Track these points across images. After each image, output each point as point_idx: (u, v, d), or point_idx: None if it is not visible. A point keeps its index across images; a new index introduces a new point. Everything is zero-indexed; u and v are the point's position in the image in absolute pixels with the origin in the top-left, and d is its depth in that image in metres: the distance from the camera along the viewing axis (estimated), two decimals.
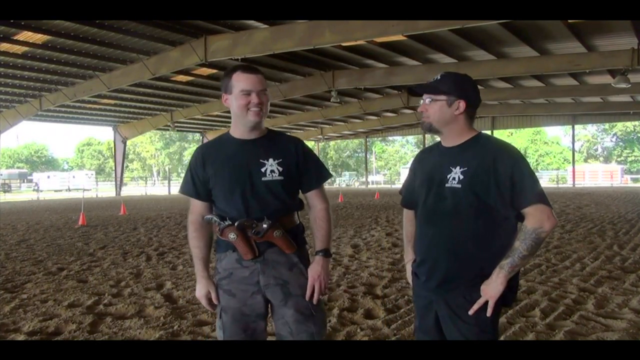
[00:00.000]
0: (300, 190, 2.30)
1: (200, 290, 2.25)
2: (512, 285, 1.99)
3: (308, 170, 2.27)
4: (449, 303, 2.03)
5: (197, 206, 2.28)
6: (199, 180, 2.23)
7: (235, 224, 2.14)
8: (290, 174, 2.21)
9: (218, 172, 2.20)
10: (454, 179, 2.02)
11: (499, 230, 1.99)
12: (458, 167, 2.02)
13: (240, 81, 2.15)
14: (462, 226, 2.01)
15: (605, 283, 5.40)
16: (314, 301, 2.21)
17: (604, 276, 5.73)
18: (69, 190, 44.46)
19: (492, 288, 1.95)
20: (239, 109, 2.16)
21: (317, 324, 2.22)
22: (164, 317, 4.35)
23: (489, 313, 1.96)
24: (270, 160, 2.18)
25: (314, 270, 2.23)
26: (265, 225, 2.14)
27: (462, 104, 2.04)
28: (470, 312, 1.97)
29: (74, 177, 50.81)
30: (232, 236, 2.14)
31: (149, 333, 3.96)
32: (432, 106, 2.07)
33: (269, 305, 2.23)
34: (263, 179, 2.17)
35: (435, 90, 2.08)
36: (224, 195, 2.20)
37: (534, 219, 1.93)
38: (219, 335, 2.26)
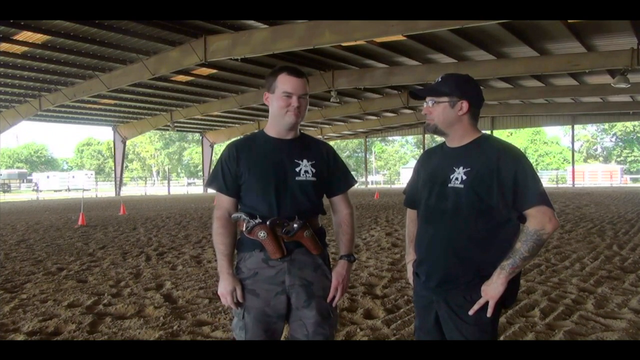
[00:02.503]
0: (325, 195, 2.33)
1: (227, 287, 2.18)
2: (512, 287, 1.98)
3: (336, 175, 2.32)
4: (449, 303, 2.03)
5: (224, 202, 2.26)
6: (230, 175, 2.23)
7: (267, 222, 2.13)
8: (322, 176, 2.25)
9: (252, 168, 2.20)
10: (456, 179, 2.03)
11: (501, 231, 1.98)
12: (461, 168, 2.02)
13: (284, 83, 2.18)
14: (463, 226, 2.01)
15: (604, 283, 5.40)
16: (334, 304, 2.25)
17: (603, 276, 5.73)
18: (68, 190, 44.45)
19: (492, 289, 1.95)
20: (278, 109, 2.20)
21: (331, 326, 2.25)
22: (164, 317, 4.35)
23: (489, 314, 1.96)
24: (305, 161, 2.23)
25: (339, 273, 2.26)
26: (296, 225, 2.15)
27: (465, 105, 2.05)
28: (471, 313, 1.97)
29: (73, 177, 50.83)
30: (261, 235, 2.13)
31: (148, 333, 3.96)
32: (436, 108, 2.08)
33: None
34: (297, 178, 2.20)
35: (438, 92, 2.08)
36: (256, 192, 2.19)
37: (536, 220, 1.93)
38: (238, 336, 2.22)
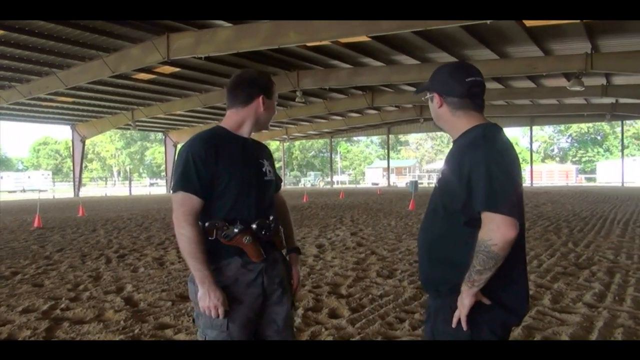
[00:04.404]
0: None
1: (218, 297, 2.03)
2: (503, 299, 1.82)
3: (276, 173, 2.36)
4: (433, 306, 1.95)
5: (196, 205, 2.06)
6: (207, 175, 2.05)
7: (254, 225, 2.10)
8: (275, 175, 2.31)
9: (233, 170, 2.10)
10: (438, 178, 1.95)
11: (472, 237, 1.76)
12: (444, 166, 1.91)
13: (276, 92, 2.27)
14: (435, 229, 1.90)
15: (560, 279, 5.60)
16: (297, 295, 2.40)
17: (559, 272, 5.94)
18: (23, 191, 42.88)
19: (459, 301, 1.80)
20: (270, 115, 2.25)
21: (293, 317, 2.33)
22: (124, 320, 4.25)
23: (464, 328, 1.80)
24: (265, 160, 2.25)
25: (297, 265, 2.40)
26: (273, 225, 2.19)
27: (436, 97, 1.93)
28: (453, 325, 1.83)
29: (29, 177, 49.12)
30: (246, 239, 2.07)
31: (108, 337, 3.86)
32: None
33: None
34: (265, 178, 2.22)
35: (423, 88, 2.02)
36: (236, 195, 2.09)
37: (484, 229, 1.72)
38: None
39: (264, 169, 2.22)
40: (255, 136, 2.30)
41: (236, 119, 2.19)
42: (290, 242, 2.41)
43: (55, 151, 71.65)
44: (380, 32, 12.52)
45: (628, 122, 49.40)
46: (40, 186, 40.92)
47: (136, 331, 3.97)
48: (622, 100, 26.18)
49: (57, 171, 66.04)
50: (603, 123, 48.92)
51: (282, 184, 2.49)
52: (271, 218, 2.20)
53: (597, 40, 14.89)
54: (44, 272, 6.42)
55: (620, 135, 42.37)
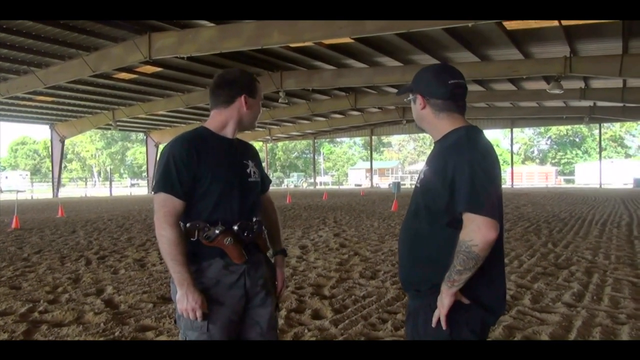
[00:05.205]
0: None
1: (197, 300, 2.00)
2: (482, 298, 1.83)
3: (263, 173, 2.34)
4: (413, 306, 1.96)
5: (178, 207, 2.04)
6: (188, 177, 2.04)
7: (235, 227, 2.09)
8: (261, 175, 2.29)
9: (216, 171, 2.08)
10: (420, 178, 1.96)
11: (454, 237, 1.77)
12: (426, 166, 1.93)
13: (261, 91, 2.24)
14: (417, 230, 1.91)
15: (540, 279, 5.67)
16: (281, 297, 2.38)
17: (539, 272, 6.02)
18: (0, 191, 41.99)
19: (439, 301, 1.81)
20: (256, 114, 2.23)
21: (277, 318, 2.31)
22: (105, 323, 4.19)
23: (444, 327, 1.81)
24: (250, 161, 2.23)
25: (282, 268, 2.37)
26: (256, 227, 2.17)
27: (419, 99, 1.94)
28: (433, 325, 1.83)
29: (6, 177, 48.21)
30: (227, 241, 2.06)
31: (88, 340, 3.79)
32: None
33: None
34: (249, 179, 2.19)
35: (405, 89, 2.02)
36: (217, 196, 2.08)
37: (465, 229, 1.74)
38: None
39: (248, 170, 2.19)
40: (238, 136, 2.28)
41: (219, 120, 2.18)
42: (276, 243, 2.39)
43: (33, 151, 70.42)
44: (365, 33, 12.57)
45: (605, 124, 50.39)
46: (18, 186, 40.05)
47: (117, 333, 3.92)
48: (599, 103, 26.73)
49: (35, 171, 64.90)
50: (581, 125, 49.70)
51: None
52: (254, 219, 2.17)
53: (576, 44, 15.16)
54: (21, 275, 6.29)
55: (598, 137, 43.16)
